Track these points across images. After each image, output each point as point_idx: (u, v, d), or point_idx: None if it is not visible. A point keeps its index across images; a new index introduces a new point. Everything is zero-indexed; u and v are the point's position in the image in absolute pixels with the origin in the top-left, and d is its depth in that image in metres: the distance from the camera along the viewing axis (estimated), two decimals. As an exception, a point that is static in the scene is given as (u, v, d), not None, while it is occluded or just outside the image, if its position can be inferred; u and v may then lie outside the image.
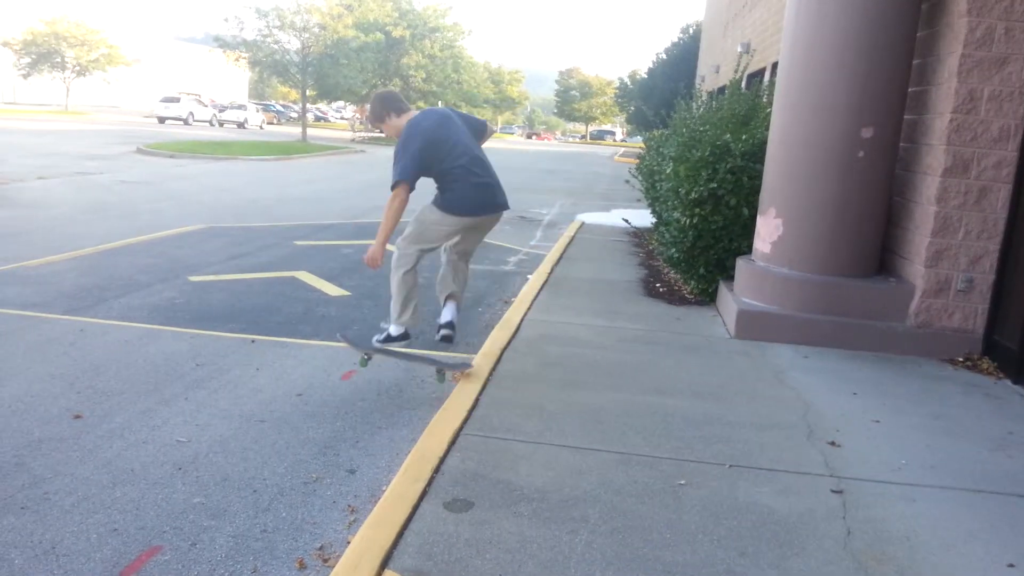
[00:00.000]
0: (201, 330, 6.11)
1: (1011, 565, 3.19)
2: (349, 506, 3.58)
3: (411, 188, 4.82)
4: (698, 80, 25.49)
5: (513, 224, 13.85)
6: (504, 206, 5.16)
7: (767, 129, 7.25)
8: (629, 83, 48.34)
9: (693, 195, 7.25)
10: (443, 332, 5.22)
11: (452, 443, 4.00)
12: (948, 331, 6.23)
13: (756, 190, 7.07)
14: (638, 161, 13.77)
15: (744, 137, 7.38)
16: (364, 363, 5.18)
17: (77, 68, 51.96)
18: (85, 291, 7.04)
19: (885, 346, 6.26)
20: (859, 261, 6.50)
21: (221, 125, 48.81)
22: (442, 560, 2.96)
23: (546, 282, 8.16)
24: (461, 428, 4.19)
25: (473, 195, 4.95)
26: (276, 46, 40.73)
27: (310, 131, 37.33)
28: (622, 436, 4.23)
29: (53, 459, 3.83)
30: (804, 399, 5.03)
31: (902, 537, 3.34)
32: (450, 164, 4.86)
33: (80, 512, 3.36)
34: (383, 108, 5.02)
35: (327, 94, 44.85)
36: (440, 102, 56.43)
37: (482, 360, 5.39)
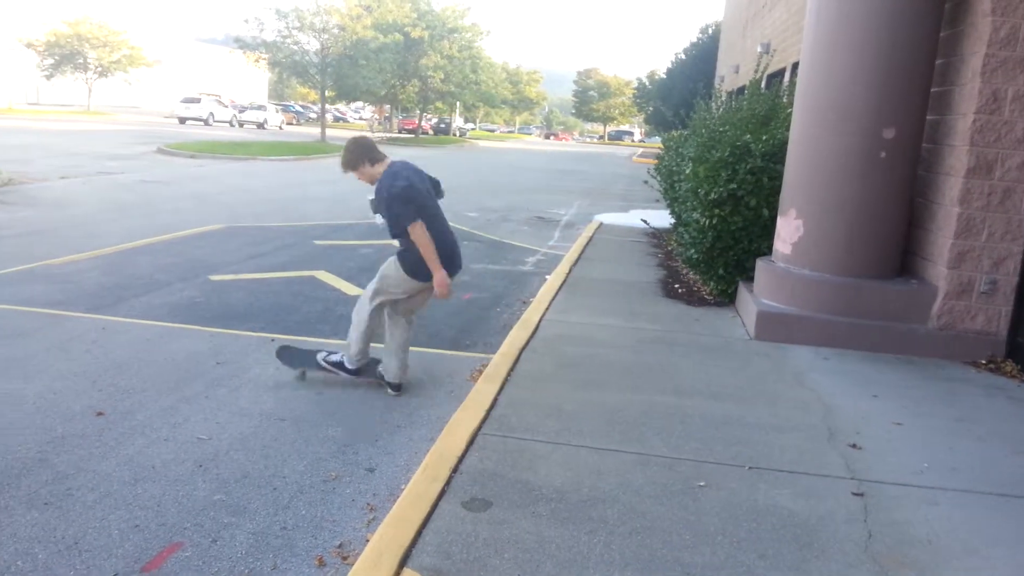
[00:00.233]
0: (221, 329, 6.15)
1: (1035, 570, 3.15)
2: (368, 504, 3.59)
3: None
4: (717, 80, 25.38)
5: (531, 224, 13.86)
6: (460, 267, 5.17)
7: (787, 129, 7.21)
8: (647, 83, 48.18)
9: (713, 196, 7.22)
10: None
11: (470, 443, 4.01)
12: (971, 333, 6.16)
13: (776, 191, 7.03)
14: (657, 162, 13.75)
15: (764, 137, 7.35)
16: (302, 377, 5.15)
17: (99, 69, 52.44)
18: (107, 290, 7.11)
19: (907, 348, 6.21)
20: (880, 262, 6.44)
21: (241, 126, 49.10)
22: (460, 559, 2.97)
23: (564, 282, 8.16)
24: (479, 428, 4.20)
25: (444, 256, 4.91)
26: (296, 47, 40.93)
27: (329, 131, 37.50)
28: (641, 437, 4.22)
29: (76, 455, 3.87)
30: (824, 401, 4.99)
31: (924, 541, 3.31)
32: (427, 217, 4.83)
33: (102, 508, 3.40)
34: (359, 155, 4.92)
35: (346, 95, 45.03)
36: (458, 103, 56.58)
37: (500, 360, 5.39)
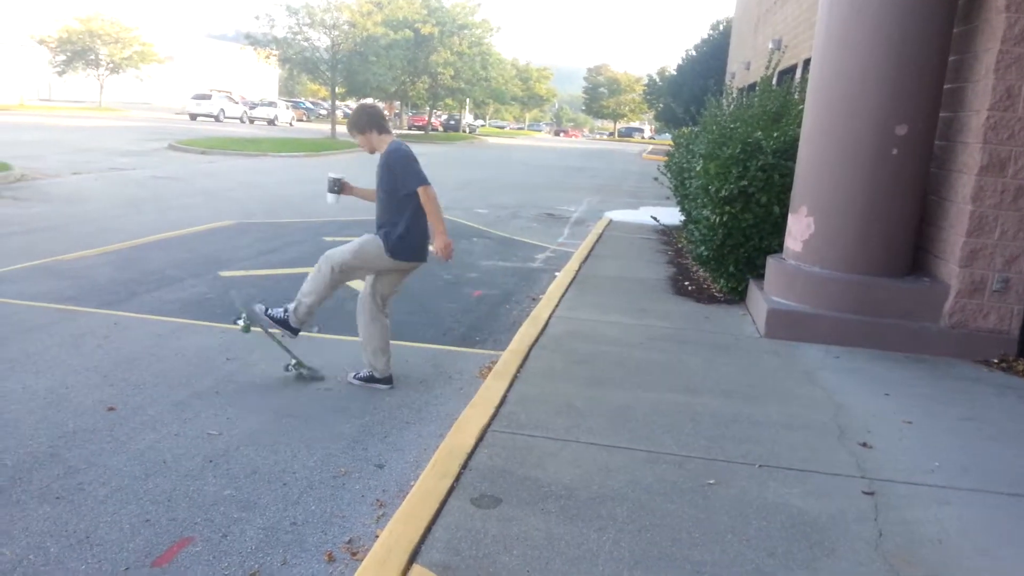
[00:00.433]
0: (231, 325, 6.15)
1: (1048, 570, 3.13)
2: (377, 500, 3.60)
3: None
4: (728, 77, 25.29)
5: (540, 221, 13.85)
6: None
7: (799, 126, 7.18)
8: (658, 80, 48.10)
9: (723, 193, 7.19)
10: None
11: (480, 439, 4.01)
12: (983, 332, 6.13)
13: (787, 188, 7.00)
14: (667, 158, 13.71)
15: (776, 134, 7.32)
16: (246, 329, 5.05)
17: (111, 65, 52.68)
18: (119, 285, 7.14)
19: (918, 347, 6.18)
20: (892, 260, 6.41)
21: (251, 122, 49.25)
22: (470, 555, 2.97)
23: (574, 279, 8.15)
24: (489, 424, 4.20)
25: (423, 238, 5.01)
26: (306, 43, 41.00)
27: (339, 128, 37.50)
28: (650, 434, 4.21)
29: (87, 450, 3.89)
30: (835, 399, 4.97)
31: (935, 540, 3.30)
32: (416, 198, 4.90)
33: (114, 502, 3.41)
34: (372, 121, 4.97)
35: (356, 91, 45.05)
36: (468, 99, 56.55)
37: (510, 357, 5.39)
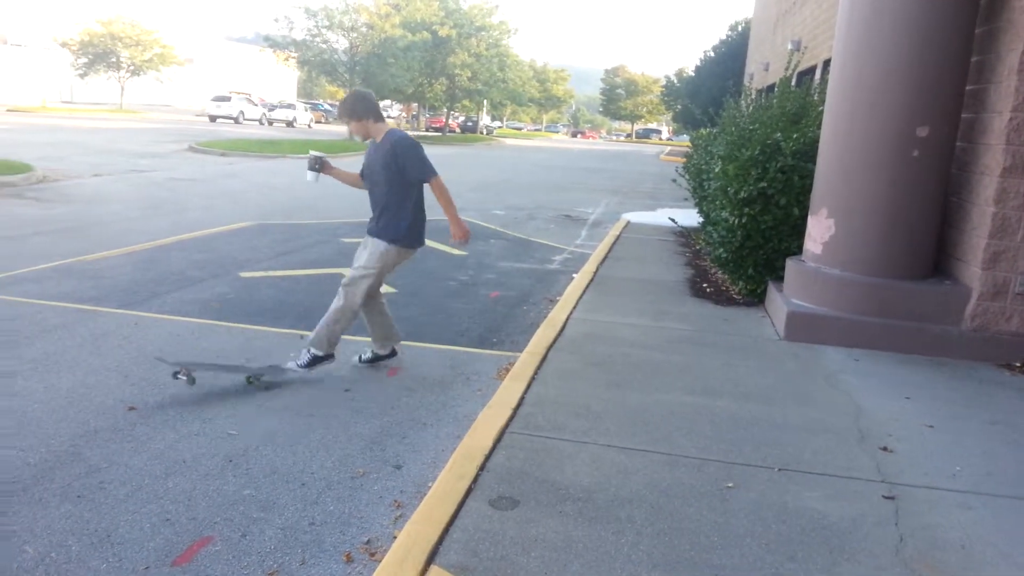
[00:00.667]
0: (251, 325, 6.21)
1: (1072, 577, 3.09)
2: (395, 501, 3.60)
3: None
4: (747, 78, 25.18)
5: (558, 223, 13.84)
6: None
7: (819, 128, 7.13)
8: (676, 81, 47.93)
9: (742, 194, 7.16)
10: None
11: (497, 441, 4.01)
12: (1005, 335, 6.06)
13: (807, 190, 6.96)
14: (685, 160, 13.67)
15: (795, 136, 7.27)
16: (192, 382, 4.72)
17: (132, 68, 53.15)
18: (139, 285, 7.20)
19: (939, 350, 6.12)
20: (913, 263, 6.35)
21: (270, 124, 49.56)
22: (488, 557, 2.97)
23: (591, 281, 8.14)
24: (506, 426, 4.20)
25: (422, 226, 5.19)
26: (324, 45, 41.24)
27: (357, 129, 37.67)
28: (669, 437, 4.20)
29: (108, 449, 3.92)
30: (855, 403, 4.93)
31: (957, 545, 3.26)
32: (419, 186, 5.09)
33: (134, 501, 3.44)
34: (367, 108, 5.03)
35: (374, 93, 45.31)
36: (486, 101, 56.61)
37: (527, 358, 5.38)
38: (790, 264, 6.86)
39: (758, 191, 7.11)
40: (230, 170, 19.28)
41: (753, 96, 11.53)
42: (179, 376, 4.70)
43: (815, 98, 8.58)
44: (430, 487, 3.59)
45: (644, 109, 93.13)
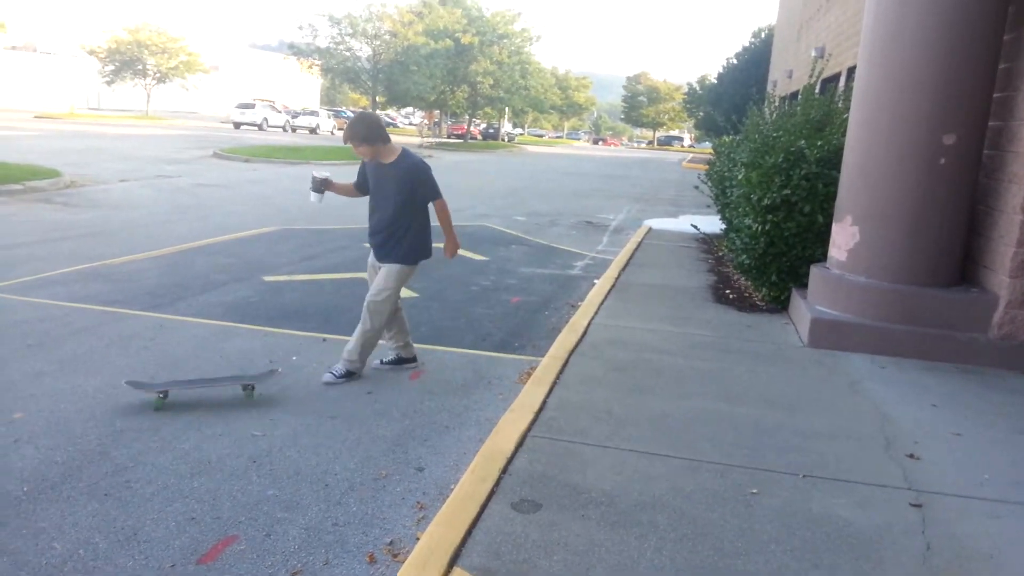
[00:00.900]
0: (274, 328, 6.25)
1: (1104, 588, 3.04)
2: (418, 503, 3.61)
3: None
4: (770, 85, 25.09)
5: (579, 229, 13.83)
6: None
7: (843, 135, 7.08)
8: (698, 88, 47.86)
9: (766, 201, 7.12)
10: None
11: (519, 444, 4.00)
12: (1034, 344, 5.98)
13: (831, 197, 6.91)
14: (707, 167, 13.63)
15: (819, 143, 7.23)
16: (159, 404, 4.51)
17: (158, 75, 53.74)
18: (165, 289, 7.27)
19: (966, 358, 6.04)
20: (939, 270, 6.29)
21: (294, 131, 49.91)
22: (510, 560, 2.96)
23: (613, 287, 8.12)
24: (528, 430, 4.19)
25: (429, 239, 5.38)
26: (348, 53, 41.56)
27: (379, 136, 37.89)
28: (692, 443, 4.18)
29: (134, 448, 3.97)
30: (881, 410, 4.89)
31: (985, 555, 3.22)
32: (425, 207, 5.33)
33: (160, 500, 3.47)
34: (378, 134, 5.11)
35: (397, 100, 45.52)
36: (507, 108, 56.73)
37: (549, 363, 5.38)
38: (814, 271, 6.81)
39: (782, 198, 7.07)
40: (254, 176, 19.45)
41: (776, 103, 11.47)
42: (160, 395, 4.52)
43: (839, 105, 8.53)
44: (452, 489, 3.59)
45: (666, 116, 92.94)
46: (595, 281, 8.71)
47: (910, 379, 5.60)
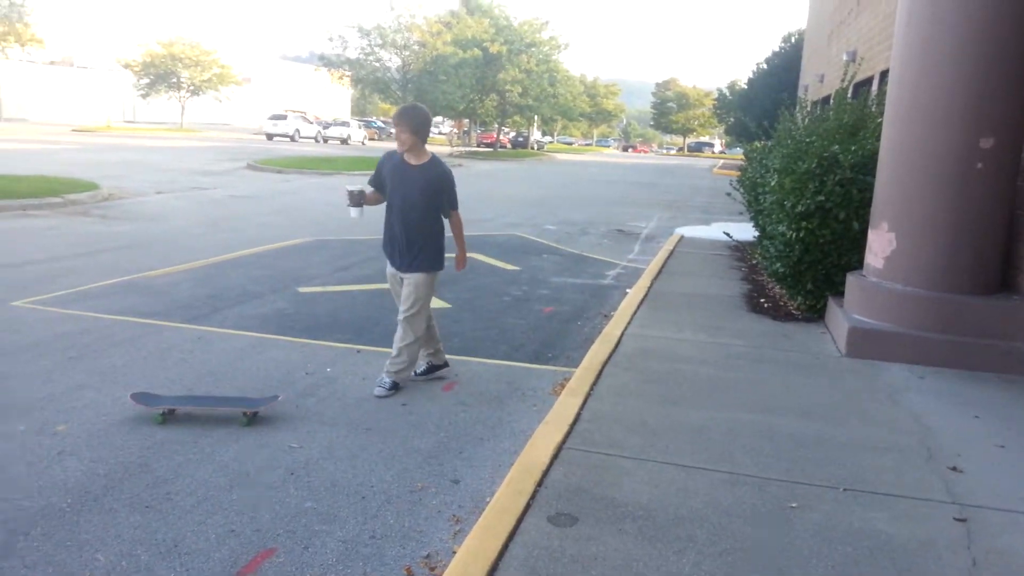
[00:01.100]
0: (309, 339, 6.30)
1: None
2: (454, 516, 3.62)
3: None
4: (801, 90, 24.85)
5: (611, 238, 13.79)
6: None
7: (877, 140, 7.00)
8: (728, 94, 47.55)
9: (799, 208, 7.05)
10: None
11: (555, 457, 4.00)
12: (1079, 352, 5.85)
13: (866, 203, 6.83)
14: (739, 173, 13.52)
15: (853, 148, 7.14)
16: (161, 419, 4.50)
17: (191, 88, 54.56)
18: (201, 301, 7.37)
19: (1008, 367, 5.93)
20: (979, 277, 6.18)
21: (325, 141, 50.36)
22: (547, 574, 2.95)
23: (646, 296, 8.08)
24: (563, 442, 4.18)
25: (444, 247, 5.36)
26: (377, 64, 41.88)
27: (409, 146, 38.13)
28: (729, 455, 4.14)
29: (175, 461, 4.02)
30: (922, 421, 4.81)
31: (1033, 571, 3.15)
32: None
33: (200, 512, 3.51)
34: (426, 129, 5.13)
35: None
36: (536, 116, 56.79)
37: (583, 374, 5.37)
38: (851, 279, 6.73)
39: (816, 204, 6.99)
40: (287, 187, 19.65)
41: (808, 108, 11.35)
42: (162, 412, 4.52)
43: (873, 109, 8.43)
44: (488, 502, 3.59)
45: (696, 122, 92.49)
46: (627, 290, 8.68)
47: (951, 389, 5.51)
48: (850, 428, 4.62)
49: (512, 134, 67.38)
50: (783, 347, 6.41)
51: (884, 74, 11.38)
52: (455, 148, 50.72)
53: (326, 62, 42.84)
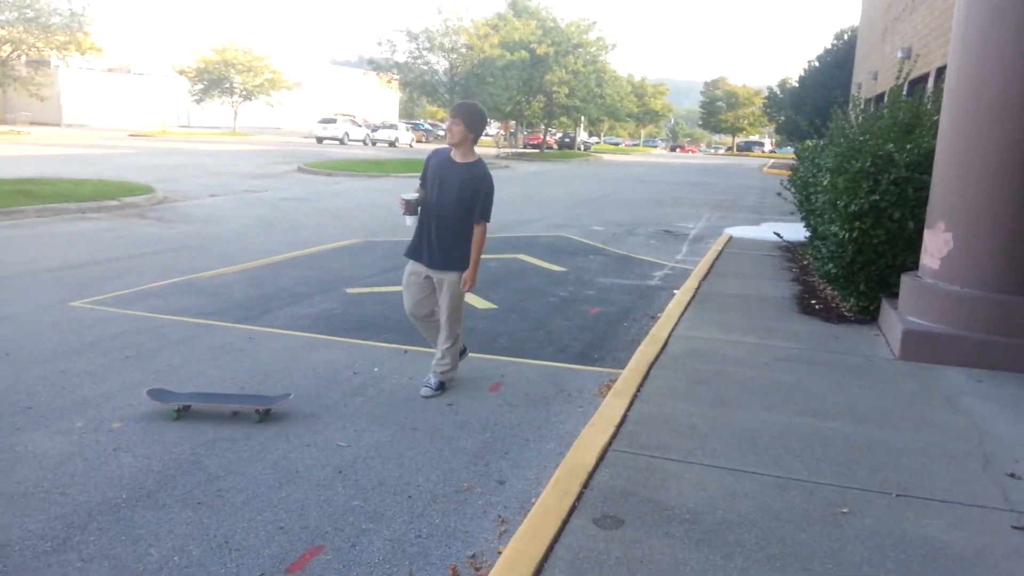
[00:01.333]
0: (358, 339, 6.37)
1: None
2: (499, 516, 3.62)
3: None
4: (854, 87, 24.39)
5: (658, 238, 13.69)
6: None
7: (933, 138, 6.83)
8: (779, 92, 46.89)
9: (853, 208, 6.92)
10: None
11: (600, 459, 3.98)
12: None
13: (922, 202, 6.67)
14: (790, 173, 13.32)
15: (908, 146, 6.99)
16: (176, 415, 4.60)
17: (244, 93, 55.61)
18: (253, 301, 7.50)
19: (1072, 371, 5.74)
20: (1041, 278, 5.99)
21: (374, 144, 50.91)
22: (593, 576, 2.94)
23: (693, 297, 8.00)
24: (610, 444, 4.16)
25: None
26: (425, 67, 42.19)
27: (456, 148, 38.35)
28: (778, 459, 4.07)
29: (226, 458, 4.09)
30: (979, 426, 4.68)
31: (1098, 582, 3.04)
32: None
33: (250, 509, 3.57)
34: (481, 129, 5.15)
35: (477, 112, 45.90)
36: (583, 117, 56.64)
37: (629, 375, 5.33)
38: (905, 280, 6.58)
39: (870, 204, 6.85)
40: (337, 189, 19.90)
41: (862, 106, 11.13)
42: (178, 408, 4.61)
43: (929, 107, 8.23)
44: (533, 503, 3.59)
45: (745, 121, 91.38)
46: (675, 291, 8.61)
47: (1009, 394, 5.35)
48: (904, 432, 4.51)
49: (559, 135, 67.32)
50: (835, 349, 6.29)
51: (940, 71, 11.12)
52: (502, 150, 50.85)
53: (375, 66, 43.30)
